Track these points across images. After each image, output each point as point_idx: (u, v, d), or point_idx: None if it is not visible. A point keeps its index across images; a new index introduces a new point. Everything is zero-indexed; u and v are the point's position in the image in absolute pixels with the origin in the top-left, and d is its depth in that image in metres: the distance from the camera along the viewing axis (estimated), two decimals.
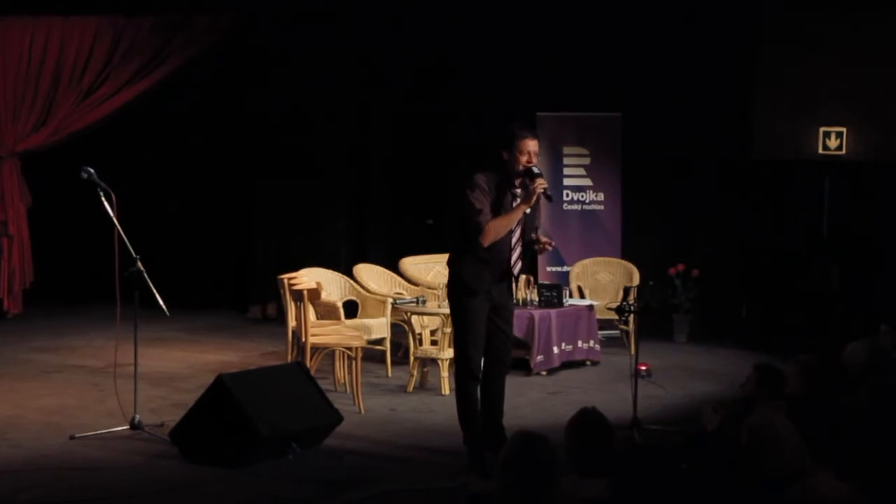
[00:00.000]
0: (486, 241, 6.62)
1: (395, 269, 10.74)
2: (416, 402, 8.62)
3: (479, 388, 6.85)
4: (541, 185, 6.62)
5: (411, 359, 9.13)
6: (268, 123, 12.69)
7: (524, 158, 6.66)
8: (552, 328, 9.69)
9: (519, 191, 6.76)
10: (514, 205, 6.70)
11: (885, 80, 11.15)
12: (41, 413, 8.07)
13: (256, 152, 12.83)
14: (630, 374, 7.75)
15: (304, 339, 8.47)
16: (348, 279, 10.19)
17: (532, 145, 6.69)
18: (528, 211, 6.75)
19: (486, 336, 6.80)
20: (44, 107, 12.03)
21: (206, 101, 12.78)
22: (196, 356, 10.34)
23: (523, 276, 9.28)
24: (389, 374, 9.51)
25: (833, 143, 11.34)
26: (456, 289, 6.79)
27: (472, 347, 6.73)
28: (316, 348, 8.55)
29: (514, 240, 6.80)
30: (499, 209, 6.66)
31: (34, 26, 11.93)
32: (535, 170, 6.70)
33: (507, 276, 6.91)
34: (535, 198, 6.65)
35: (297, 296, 8.57)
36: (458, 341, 6.83)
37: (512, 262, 6.86)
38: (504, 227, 6.67)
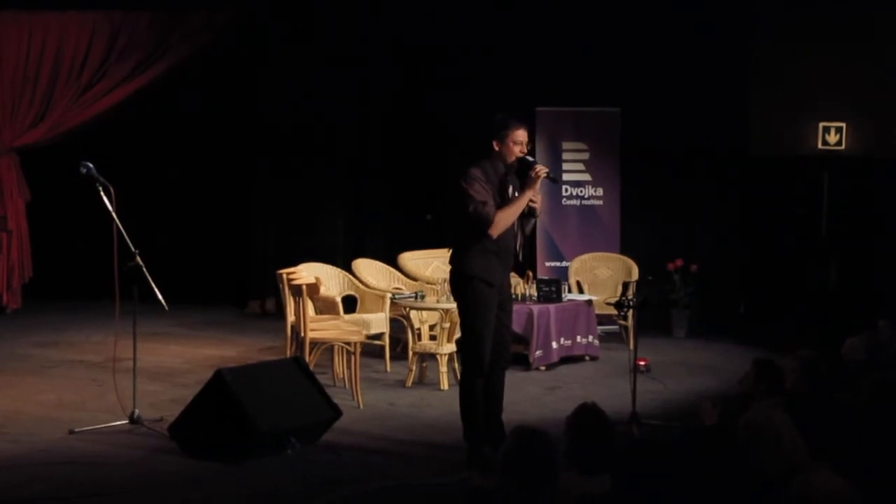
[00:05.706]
0: (496, 231, 6.57)
1: (393, 264, 10.73)
2: (414, 397, 8.62)
3: None
4: (542, 169, 6.63)
5: (410, 354, 9.14)
6: (266, 118, 12.68)
7: (517, 148, 6.66)
8: (551, 323, 9.69)
9: (510, 179, 6.75)
10: (512, 194, 6.68)
11: (884, 75, 11.15)
12: (40, 408, 8.07)
13: (255, 147, 12.83)
14: (629, 370, 7.76)
15: (302, 334, 8.47)
16: (347, 274, 10.19)
17: (523, 135, 6.70)
18: (534, 199, 6.75)
19: None
20: (42, 102, 12.01)
21: (205, 97, 12.75)
22: (195, 351, 10.34)
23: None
24: (388, 369, 9.51)
25: (832, 138, 11.34)
26: (469, 284, 6.65)
27: (485, 343, 6.64)
28: (315, 343, 8.55)
29: (515, 226, 6.79)
30: (497, 200, 6.64)
31: (32, 22, 11.90)
32: (530, 158, 6.71)
33: (513, 266, 6.91)
34: (538, 183, 6.65)
35: (296, 291, 8.57)
36: (472, 336, 6.67)
37: (516, 249, 6.86)
38: (511, 216, 6.65)
